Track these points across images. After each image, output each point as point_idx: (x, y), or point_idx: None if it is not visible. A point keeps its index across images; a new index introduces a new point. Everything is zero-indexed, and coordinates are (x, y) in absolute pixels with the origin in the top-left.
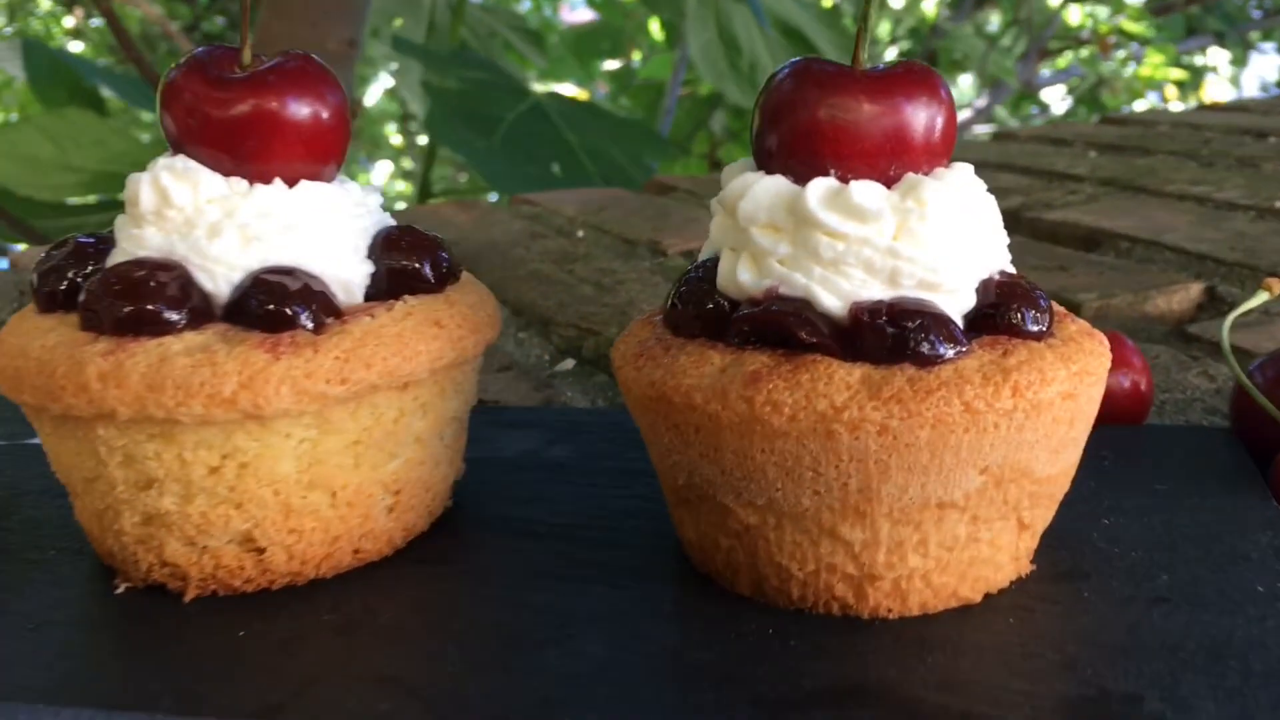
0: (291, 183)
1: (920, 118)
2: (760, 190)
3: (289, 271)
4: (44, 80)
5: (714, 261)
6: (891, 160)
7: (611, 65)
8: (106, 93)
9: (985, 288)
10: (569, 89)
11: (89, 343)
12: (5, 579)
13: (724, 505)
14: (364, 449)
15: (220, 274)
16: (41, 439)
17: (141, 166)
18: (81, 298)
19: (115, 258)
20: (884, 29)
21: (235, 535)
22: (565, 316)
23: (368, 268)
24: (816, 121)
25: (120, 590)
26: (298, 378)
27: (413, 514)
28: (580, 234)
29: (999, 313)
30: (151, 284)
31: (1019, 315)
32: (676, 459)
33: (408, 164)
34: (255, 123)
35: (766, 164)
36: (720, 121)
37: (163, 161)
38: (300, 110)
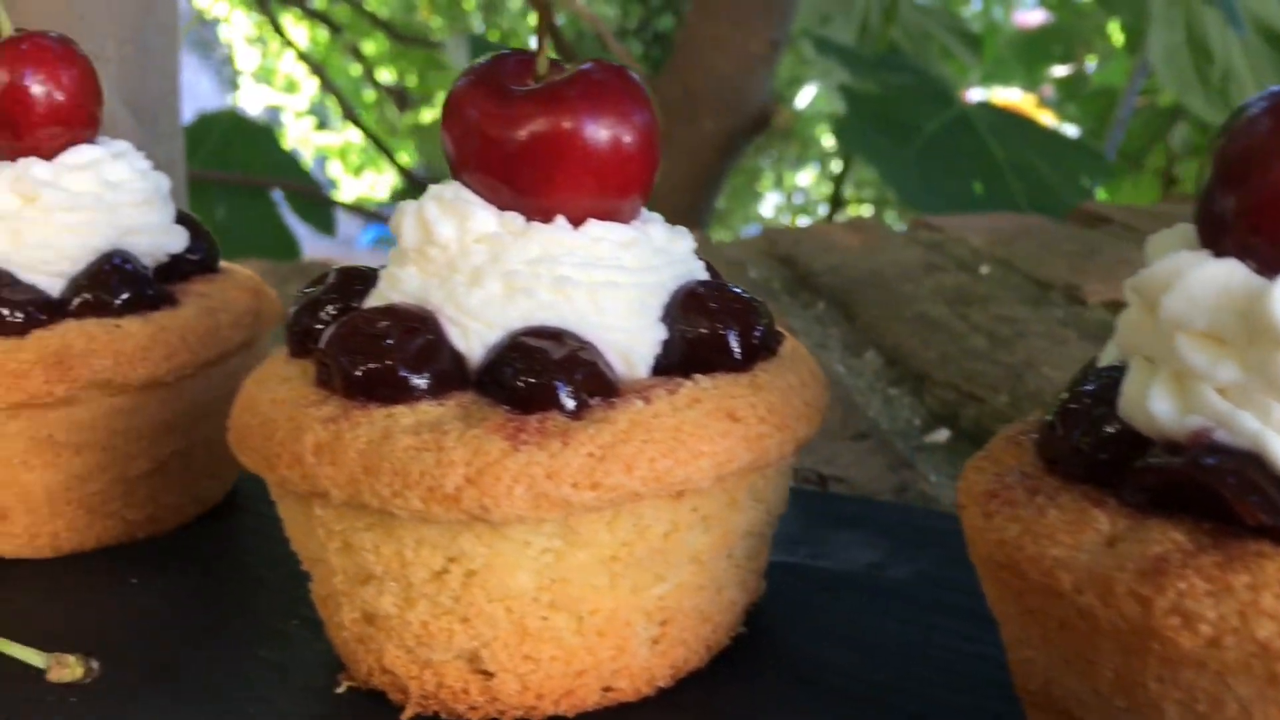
0: (577, 221)
1: None
2: (1200, 280)
3: (555, 335)
4: None
5: (1118, 372)
6: None
7: (1061, 71)
8: None
9: None
10: (1010, 94)
11: (317, 403)
12: (240, 645)
13: None
14: (623, 567)
15: (476, 331)
16: (275, 503)
17: None
18: (319, 346)
19: (371, 300)
20: None
21: (460, 652)
22: (945, 373)
23: (659, 333)
24: None
25: (342, 689)
26: (537, 477)
27: (683, 648)
28: (984, 269)
29: None
30: (392, 340)
31: None
32: (1030, 655)
33: (837, 166)
34: (538, 147)
35: (1216, 239)
36: (1181, 136)
37: (434, 189)
38: (596, 133)
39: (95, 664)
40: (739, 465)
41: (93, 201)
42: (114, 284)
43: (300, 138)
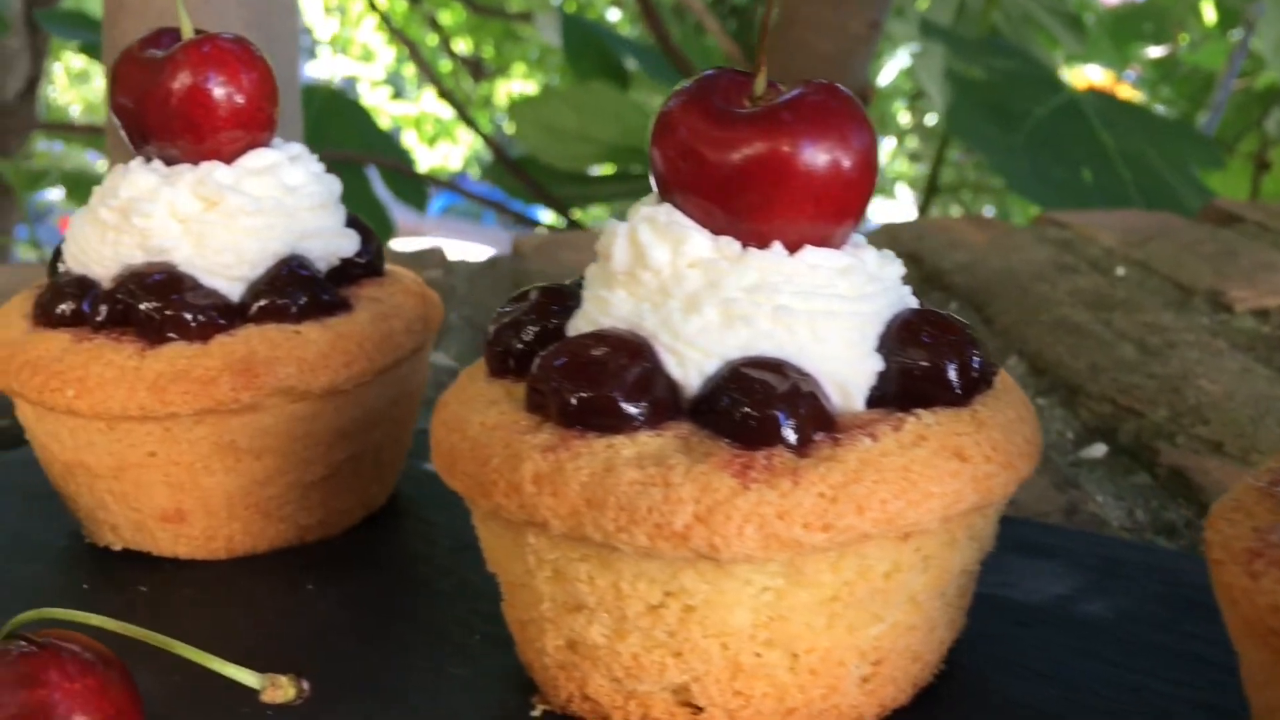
0: (794, 247)
1: None
2: None
3: (775, 366)
4: (577, 50)
5: None
6: None
7: (1156, 52)
8: (631, 64)
9: None
10: (1097, 73)
11: (531, 429)
12: (427, 660)
13: None
14: (842, 607)
15: (692, 360)
16: (475, 524)
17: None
18: (532, 371)
19: (578, 322)
20: None
21: (669, 685)
22: (1098, 385)
23: (875, 364)
24: None
25: (537, 714)
26: (768, 517)
27: (892, 687)
28: (1120, 271)
29: None
30: (610, 368)
31: None
32: None
33: (912, 143)
34: (760, 172)
35: None
36: (1277, 120)
37: (645, 211)
38: (817, 158)
39: (305, 684)
40: (966, 506)
41: (273, 206)
42: (292, 289)
43: (375, 107)
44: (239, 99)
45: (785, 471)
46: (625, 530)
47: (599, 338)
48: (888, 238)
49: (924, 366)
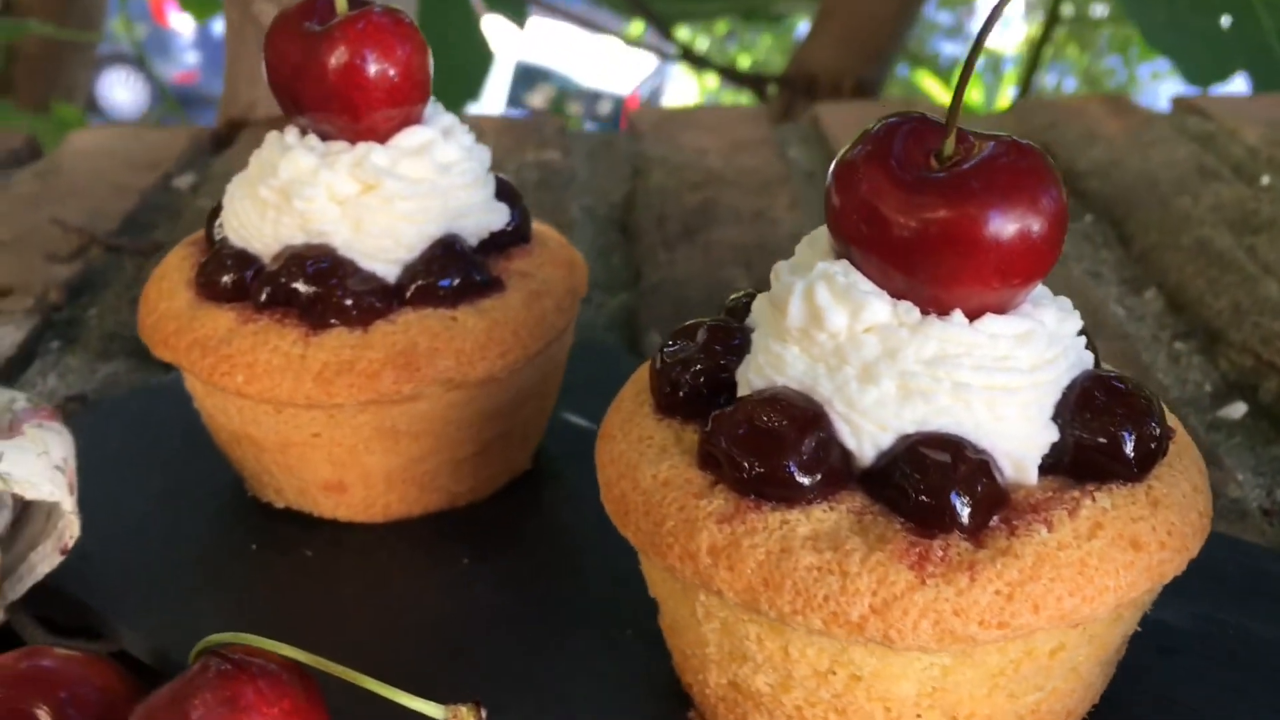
0: (974, 314)
1: None
2: None
3: (954, 445)
4: None
5: None
6: None
7: None
8: None
9: None
10: None
11: (705, 492)
12: (581, 654)
13: None
14: (1006, 680)
15: (868, 432)
16: (641, 559)
17: None
18: (706, 429)
19: (749, 373)
20: None
21: None
22: (1240, 333)
23: (1050, 434)
24: None
25: None
26: (944, 614)
27: None
28: (1265, 180)
29: None
30: (786, 441)
31: None
32: None
33: None
34: (946, 242)
35: None
36: None
37: (822, 267)
38: (1005, 229)
39: (484, 712)
40: (1139, 593)
41: (428, 189)
42: (448, 271)
43: None
44: (395, 77)
45: (962, 566)
46: (800, 613)
47: (774, 404)
48: (1018, 119)
49: (1101, 443)
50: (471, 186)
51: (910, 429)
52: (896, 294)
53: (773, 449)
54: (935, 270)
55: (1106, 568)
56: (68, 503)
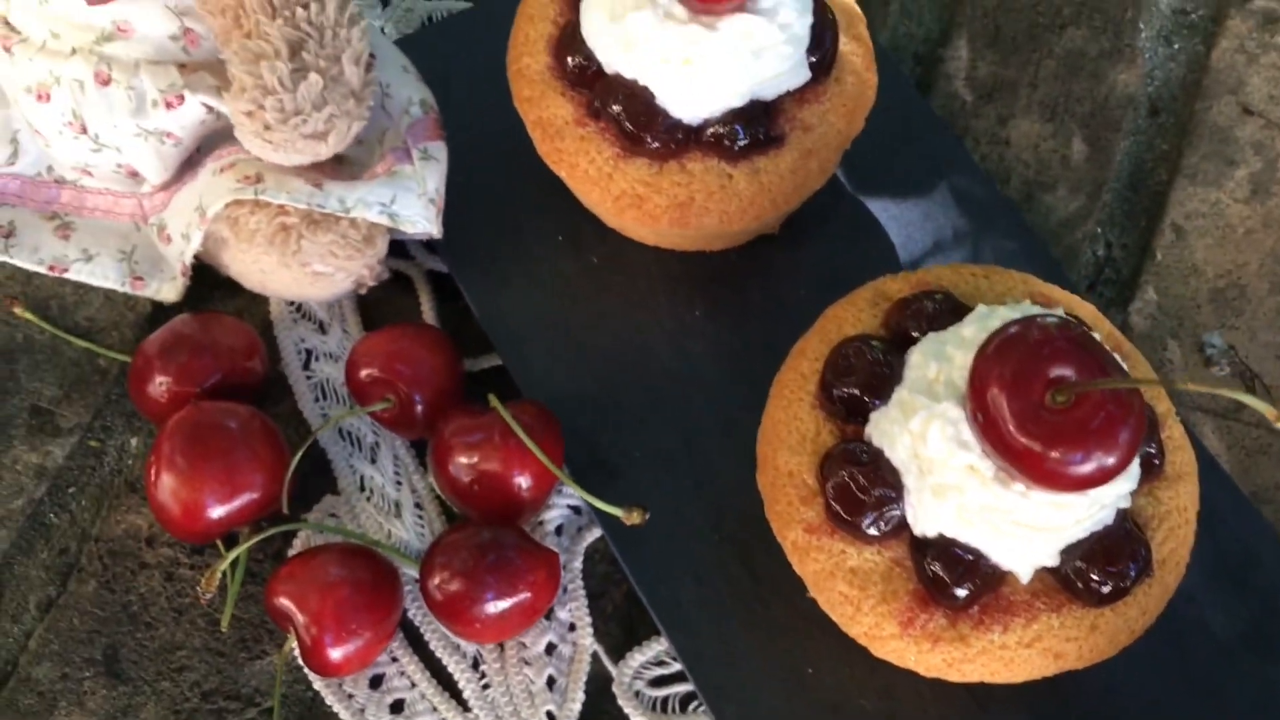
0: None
1: None
2: None
3: (973, 556)
4: None
5: None
6: None
7: None
8: None
9: None
10: None
11: (809, 499)
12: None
13: None
14: None
15: (921, 520)
16: None
17: None
18: (824, 460)
19: (881, 419)
20: None
21: None
22: None
23: (1052, 561)
24: None
25: None
26: (905, 658)
27: None
28: None
29: None
30: (866, 505)
31: None
32: None
33: None
34: (1037, 468)
35: None
36: None
37: (949, 411)
38: (1086, 469)
39: (648, 513)
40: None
41: (749, 56)
42: (741, 128)
43: None
44: None
45: (931, 636)
46: (826, 608)
47: (871, 473)
48: None
49: (1081, 582)
50: (786, 55)
51: (950, 534)
52: (986, 454)
53: (854, 506)
54: (1026, 478)
55: (1023, 668)
56: (436, 228)
